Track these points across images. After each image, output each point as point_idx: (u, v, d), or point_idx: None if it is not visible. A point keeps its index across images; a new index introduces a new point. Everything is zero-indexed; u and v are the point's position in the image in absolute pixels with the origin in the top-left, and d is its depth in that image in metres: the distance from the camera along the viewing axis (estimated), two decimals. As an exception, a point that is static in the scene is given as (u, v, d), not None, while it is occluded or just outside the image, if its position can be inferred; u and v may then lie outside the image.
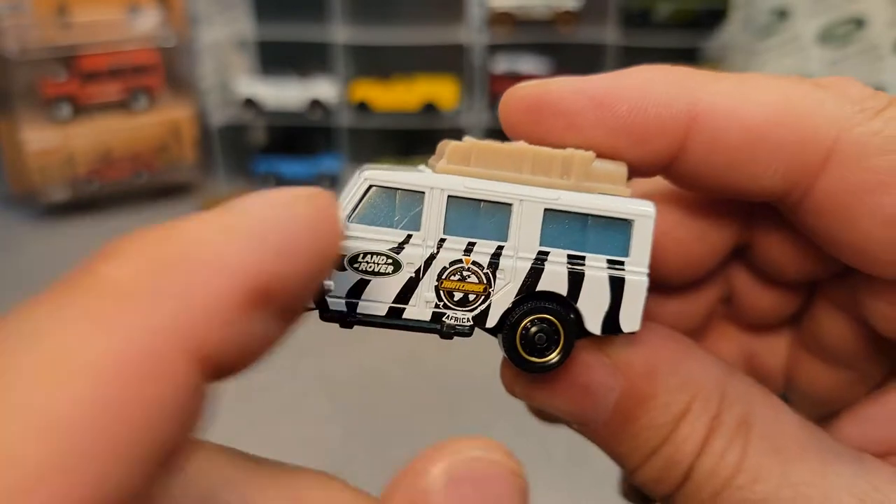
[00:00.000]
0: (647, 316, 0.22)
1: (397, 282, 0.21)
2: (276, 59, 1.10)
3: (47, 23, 1.00)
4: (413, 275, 0.21)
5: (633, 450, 0.22)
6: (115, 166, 1.03)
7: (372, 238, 0.20)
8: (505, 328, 0.21)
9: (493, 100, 1.02)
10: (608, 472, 0.48)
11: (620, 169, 0.21)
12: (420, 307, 0.21)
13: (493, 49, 1.01)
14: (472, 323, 0.21)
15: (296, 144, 1.08)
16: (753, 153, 0.21)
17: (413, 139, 1.08)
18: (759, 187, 0.21)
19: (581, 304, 0.21)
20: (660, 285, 0.25)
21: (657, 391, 0.22)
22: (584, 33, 0.98)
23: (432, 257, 0.21)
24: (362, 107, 1.03)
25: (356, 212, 0.20)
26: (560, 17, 0.96)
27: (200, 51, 1.05)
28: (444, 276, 0.21)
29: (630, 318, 0.21)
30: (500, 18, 0.95)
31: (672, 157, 0.21)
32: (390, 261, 0.21)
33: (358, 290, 0.20)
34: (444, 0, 1.04)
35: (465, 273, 0.21)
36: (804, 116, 0.20)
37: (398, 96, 1.02)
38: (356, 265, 0.20)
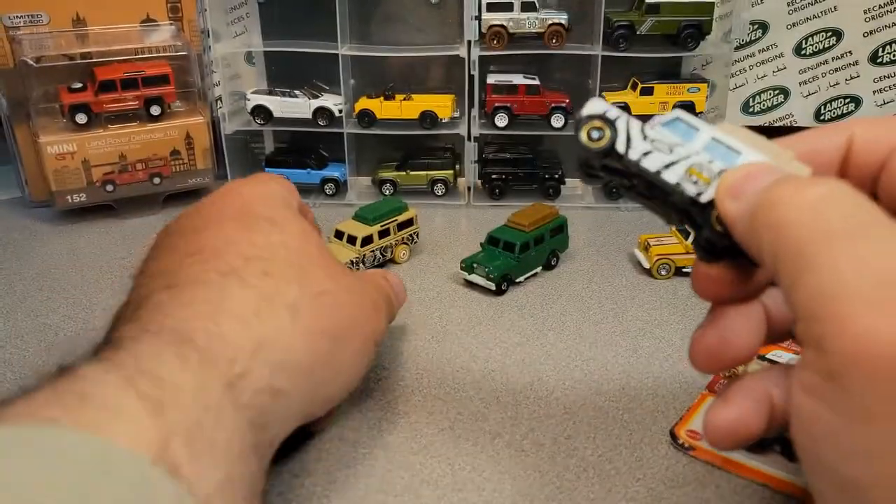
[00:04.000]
0: None
1: (667, 158, 0.39)
2: (284, 72, 1.14)
3: (64, 34, 1.04)
4: (676, 158, 0.38)
5: None
6: (130, 172, 1.08)
7: (664, 135, 0.39)
8: (707, 207, 0.38)
9: (487, 109, 1.06)
10: (599, 463, 0.54)
11: (806, 169, 0.37)
12: (672, 174, 0.38)
13: (487, 61, 1.06)
14: (694, 195, 0.38)
15: (303, 152, 1.13)
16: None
17: (412, 146, 1.13)
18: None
19: None
20: None
21: None
22: (573, 46, 1.03)
23: (689, 156, 0.38)
24: (364, 115, 1.08)
25: (663, 124, 0.40)
26: (551, 30, 1.01)
27: (212, 62, 1.09)
28: (691, 166, 0.38)
29: None
30: (494, 32, 1.00)
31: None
32: (669, 148, 0.39)
33: (646, 154, 0.39)
34: (444, 18, 1.08)
35: (703, 169, 0.38)
36: None
37: (399, 107, 1.08)
38: (653, 142, 0.39)
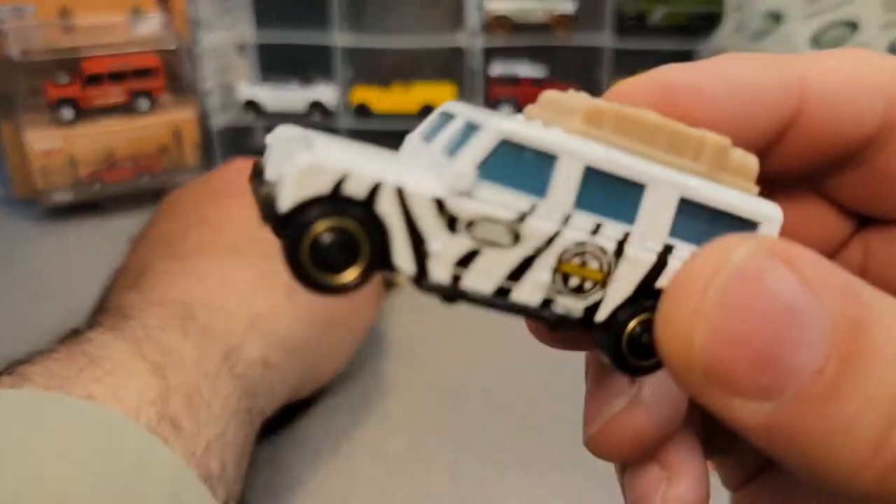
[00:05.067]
0: None
1: (512, 257, 0.18)
2: (277, 63, 1.12)
3: (50, 26, 1.01)
4: (531, 252, 0.18)
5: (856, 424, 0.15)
6: (118, 168, 1.05)
7: (495, 201, 0.17)
8: (612, 327, 0.19)
9: (490, 102, 1.03)
10: (609, 473, 0.48)
11: (753, 162, 0.20)
12: (530, 289, 0.18)
13: (490, 53, 1.03)
14: (581, 315, 0.19)
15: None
16: (858, 99, 0.21)
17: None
18: (860, 135, 0.21)
19: None
20: None
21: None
22: (580, 37, 0.99)
23: (556, 234, 0.18)
24: (362, 109, 1.05)
25: (483, 166, 0.17)
26: (556, 21, 0.98)
27: (202, 54, 1.06)
28: (564, 258, 0.18)
29: None
30: (497, 22, 0.97)
31: (790, 122, 0.21)
32: (511, 231, 0.18)
33: (466, 260, 0.18)
34: (444, 6, 1.05)
35: (587, 257, 0.18)
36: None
37: (397, 99, 1.04)
38: (471, 230, 0.18)
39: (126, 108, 1.03)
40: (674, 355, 0.15)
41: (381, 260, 0.17)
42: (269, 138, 0.19)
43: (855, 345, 0.14)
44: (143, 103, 1.04)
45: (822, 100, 0.21)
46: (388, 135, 1.09)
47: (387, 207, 0.17)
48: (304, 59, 1.08)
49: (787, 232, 0.20)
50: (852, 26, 1.12)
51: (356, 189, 0.17)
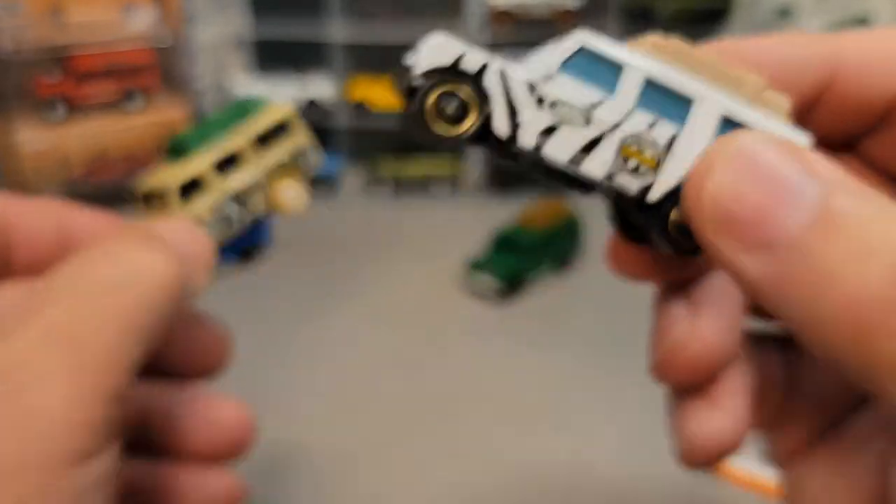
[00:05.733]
0: None
1: (584, 135, 0.23)
2: (273, 57, 1.10)
3: (41, 23, 0.99)
4: (599, 133, 0.23)
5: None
6: (110, 167, 1.03)
7: (572, 90, 0.22)
8: (661, 209, 0.23)
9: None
10: (611, 480, 0.46)
11: (785, 100, 0.23)
12: (597, 163, 0.23)
13: (493, 48, 1.00)
14: (636, 193, 0.23)
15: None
16: (888, 65, 0.24)
17: (412, 139, 1.07)
18: (889, 98, 0.24)
19: None
20: None
21: None
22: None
23: (619, 123, 0.23)
24: (360, 107, 1.03)
25: (566, 64, 0.23)
26: (560, 15, 0.95)
27: (196, 50, 1.04)
28: (625, 142, 0.23)
29: None
30: (500, 17, 0.94)
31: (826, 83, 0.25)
32: (584, 115, 0.22)
33: (548, 132, 0.23)
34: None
35: (644, 145, 0.23)
36: None
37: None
38: (553, 109, 0.22)
39: (119, 106, 1.01)
40: (692, 207, 0.20)
41: (484, 128, 0.23)
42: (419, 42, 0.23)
43: (838, 213, 0.18)
44: (137, 100, 1.02)
45: (855, 67, 0.24)
46: (388, 134, 1.07)
47: (492, 82, 0.22)
48: (299, 52, 1.06)
49: None
50: (863, 22, 1.09)
51: (470, 65, 0.22)
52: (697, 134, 0.23)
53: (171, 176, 0.43)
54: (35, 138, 0.98)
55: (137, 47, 1.02)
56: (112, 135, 1.02)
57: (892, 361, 0.17)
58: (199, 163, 0.43)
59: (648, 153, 0.23)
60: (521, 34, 0.98)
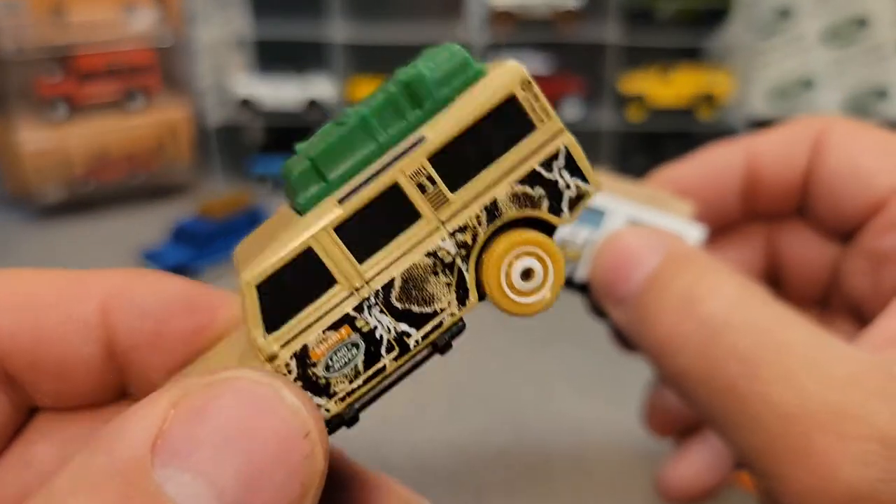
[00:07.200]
0: None
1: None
2: (274, 57, 1.10)
3: (43, 22, 0.99)
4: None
5: None
6: (112, 167, 1.03)
7: (574, 234, 0.32)
8: (585, 286, 0.31)
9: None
10: (610, 481, 0.46)
11: (688, 206, 0.32)
12: (581, 270, 0.32)
13: (494, 48, 1.00)
14: (568, 274, 0.31)
15: (293, 146, 1.07)
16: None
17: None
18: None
19: None
20: None
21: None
22: (586, 32, 0.97)
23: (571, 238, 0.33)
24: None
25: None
26: (560, 16, 0.95)
27: (197, 50, 1.04)
28: (561, 242, 0.32)
29: None
30: (501, 17, 0.94)
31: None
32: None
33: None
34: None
35: (567, 243, 0.32)
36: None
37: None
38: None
39: (120, 106, 1.01)
40: (590, 279, 0.29)
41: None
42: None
43: (666, 277, 0.26)
44: (138, 101, 1.02)
45: (770, 158, 0.34)
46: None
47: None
48: (300, 52, 1.06)
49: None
50: (862, 23, 1.09)
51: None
52: (609, 232, 0.30)
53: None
54: (36, 138, 0.98)
55: (139, 47, 1.02)
56: (113, 135, 1.02)
57: (686, 372, 0.24)
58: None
59: (570, 247, 0.31)
60: (521, 34, 0.98)
